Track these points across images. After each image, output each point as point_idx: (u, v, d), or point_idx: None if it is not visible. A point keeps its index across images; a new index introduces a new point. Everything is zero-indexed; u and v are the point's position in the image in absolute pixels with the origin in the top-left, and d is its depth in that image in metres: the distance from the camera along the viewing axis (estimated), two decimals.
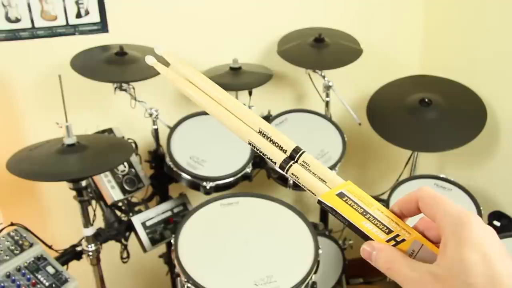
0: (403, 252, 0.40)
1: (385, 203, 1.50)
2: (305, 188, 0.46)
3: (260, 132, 0.49)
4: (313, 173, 0.47)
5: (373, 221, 0.42)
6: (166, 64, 0.52)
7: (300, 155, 0.47)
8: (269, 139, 0.48)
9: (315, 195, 0.45)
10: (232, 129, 0.49)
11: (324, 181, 0.46)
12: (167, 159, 1.56)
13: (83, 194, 1.36)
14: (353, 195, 0.44)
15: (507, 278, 0.35)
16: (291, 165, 0.47)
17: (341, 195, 0.44)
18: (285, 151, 0.48)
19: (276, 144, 0.48)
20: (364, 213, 0.43)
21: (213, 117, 0.50)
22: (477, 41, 1.87)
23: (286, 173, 0.47)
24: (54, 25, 1.60)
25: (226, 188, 1.56)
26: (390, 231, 0.42)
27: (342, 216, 0.43)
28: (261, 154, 0.49)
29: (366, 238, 0.42)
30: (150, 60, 0.52)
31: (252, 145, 0.49)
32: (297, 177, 0.47)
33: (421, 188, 0.42)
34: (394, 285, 1.23)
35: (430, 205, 0.40)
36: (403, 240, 0.41)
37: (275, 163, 0.48)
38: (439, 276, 0.36)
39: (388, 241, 0.41)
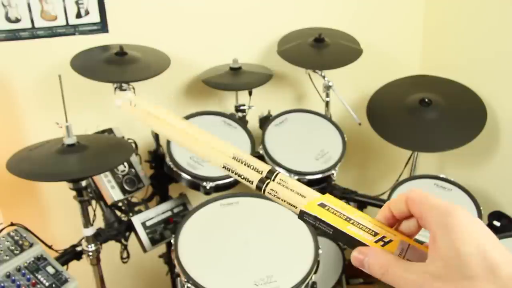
0: (392, 254, 0.40)
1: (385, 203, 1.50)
2: (285, 203, 0.47)
3: (234, 158, 0.50)
4: (291, 189, 0.47)
5: (358, 226, 0.43)
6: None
7: (276, 175, 0.49)
8: (243, 163, 0.49)
9: (295, 207, 0.46)
10: (203, 155, 0.50)
11: (302, 195, 0.47)
12: (167, 159, 1.56)
13: (83, 194, 1.36)
14: (334, 205, 0.45)
15: (506, 265, 0.34)
16: (268, 183, 0.48)
17: (322, 205, 0.45)
18: (260, 172, 0.49)
19: (252, 167, 0.49)
20: (348, 219, 0.43)
21: (183, 146, 0.52)
22: (477, 41, 1.87)
23: (264, 191, 0.48)
24: (54, 25, 1.60)
25: (226, 188, 1.56)
26: (376, 233, 0.42)
27: (327, 223, 0.43)
28: (237, 176, 0.49)
29: (353, 244, 0.42)
30: (118, 102, 0.55)
31: (227, 168, 0.50)
32: (276, 193, 0.47)
33: (411, 189, 0.42)
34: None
35: (417, 202, 0.40)
36: (390, 240, 0.41)
37: (252, 182, 0.48)
38: (437, 274, 0.35)
39: (376, 242, 0.41)
